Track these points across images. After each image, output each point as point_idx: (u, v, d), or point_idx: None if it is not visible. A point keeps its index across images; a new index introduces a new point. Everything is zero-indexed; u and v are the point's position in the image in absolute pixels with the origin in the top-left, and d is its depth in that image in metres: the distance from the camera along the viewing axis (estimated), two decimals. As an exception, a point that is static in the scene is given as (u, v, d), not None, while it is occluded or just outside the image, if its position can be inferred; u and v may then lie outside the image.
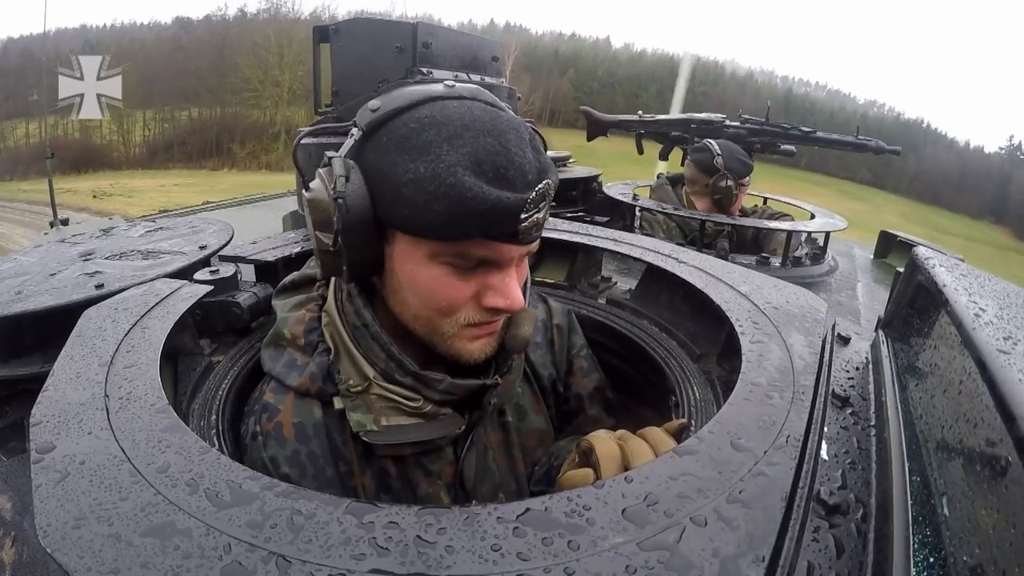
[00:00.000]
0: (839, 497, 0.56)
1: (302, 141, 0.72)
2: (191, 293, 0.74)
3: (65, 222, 3.34)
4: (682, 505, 0.37)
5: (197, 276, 0.83)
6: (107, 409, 0.47)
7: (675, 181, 2.09)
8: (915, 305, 0.84)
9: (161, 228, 1.19)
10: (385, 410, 0.60)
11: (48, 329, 0.80)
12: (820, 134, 2.12)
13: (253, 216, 2.66)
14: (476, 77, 1.54)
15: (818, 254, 1.76)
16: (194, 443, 0.43)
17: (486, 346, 0.60)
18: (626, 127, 2.41)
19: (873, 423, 0.71)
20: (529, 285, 0.66)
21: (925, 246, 1.53)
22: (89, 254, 1.00)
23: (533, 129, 0.58)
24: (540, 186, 0.52)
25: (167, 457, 0.41)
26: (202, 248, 1.00)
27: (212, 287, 0.78)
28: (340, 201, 0.52)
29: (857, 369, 0.87)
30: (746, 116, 2.18)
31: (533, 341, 0.79)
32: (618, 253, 1.02)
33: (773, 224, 1.76)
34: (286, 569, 0.32)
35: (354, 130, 0.56)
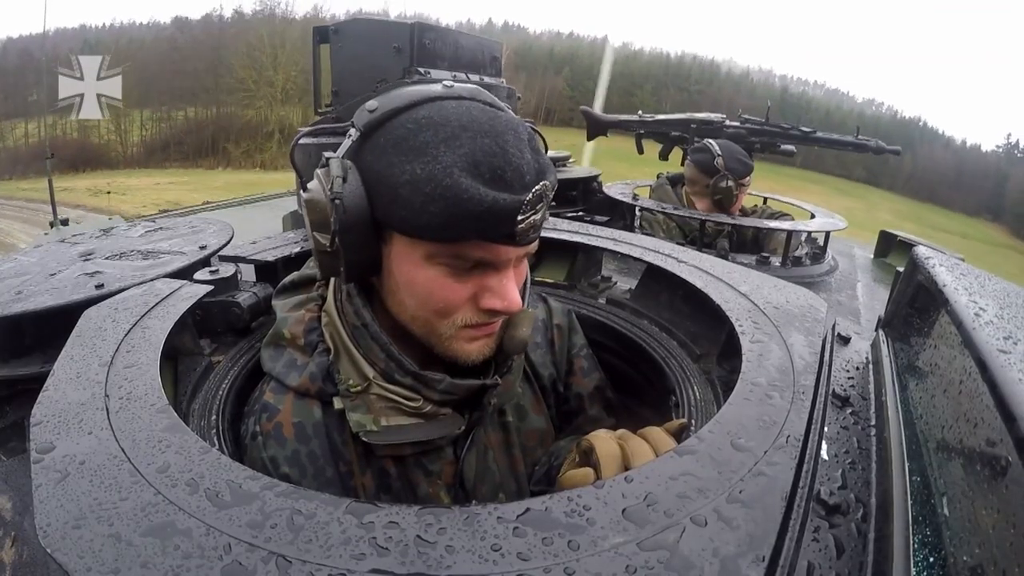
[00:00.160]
0: (839, 497, 0.56)
1: (300, 141, 0.72)
2: (191, 293, 0.74)
3: (65, 222, 3.34)
4: (682, 505, 0.37)
5: (197, 276, 0.83)
6: (107, 409, 0.47)
7: (675, 181, 2.09)
8: (915, 305, 0.84)
9: (161, 228, 1.19)
10: (385, 410, 0.60)
11: (48, 329, 0.80)
12: (820, 134, 2.12)
13: (253, 216, 2.66)
14: (475, 77, 1.54)
15: (818, 254, 1.76)
16: (194, 443, 0.43)
17: (484, 347, 0.60)
18: (626, 127, 2.41)
19: (873, 423, 0.71)
20: (529, 285, 0.66)
21: (925, 246, 1.53)
22: (89, 254, 1.00)
23: (533, 129, 0.58)
24: (537, 187, 0.51)
25: (167, 457, 0.41)
26: (202, 248, 1.00)
27: (212, 287, 0.78)
28: (337, 202, 0.52)
29: (857, 369, 0.87)
30: (746, 116, 2.18)
31: (533, 341, 0.79)
32: (618, 253, 1.02)
33: (773, 224, 1.76)
34: (286, 569, 0.32)
35: (352, 131, 0.55)
